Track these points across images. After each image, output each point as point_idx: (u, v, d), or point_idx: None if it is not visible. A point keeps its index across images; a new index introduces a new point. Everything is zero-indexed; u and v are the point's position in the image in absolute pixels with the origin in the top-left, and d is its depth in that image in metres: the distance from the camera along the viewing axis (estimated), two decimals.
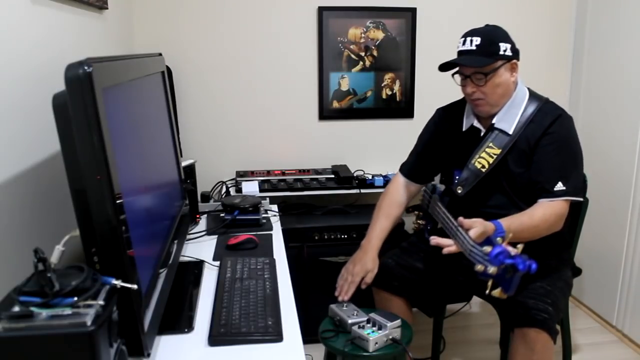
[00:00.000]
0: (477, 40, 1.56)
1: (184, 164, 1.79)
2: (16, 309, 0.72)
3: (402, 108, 2.69)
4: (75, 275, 0.76)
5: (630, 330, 2.39)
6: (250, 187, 2.30)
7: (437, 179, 1.92)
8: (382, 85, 2.66)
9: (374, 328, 1.53)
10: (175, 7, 2.44)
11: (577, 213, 1.88)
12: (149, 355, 0.92)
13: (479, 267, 1.27)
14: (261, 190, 2.30)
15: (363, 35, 2.58)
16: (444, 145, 1.79)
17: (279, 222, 1.90)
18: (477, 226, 1.34)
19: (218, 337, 1.09)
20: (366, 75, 2.63)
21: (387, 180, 2.40)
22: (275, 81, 2.58)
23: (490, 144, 1.63)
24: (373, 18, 2.58)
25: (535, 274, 1.61)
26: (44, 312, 0.72)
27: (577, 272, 1.87)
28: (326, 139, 2.67)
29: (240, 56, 2.53)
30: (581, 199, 1.64)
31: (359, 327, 1.53)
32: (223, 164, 2.59)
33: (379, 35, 2.60)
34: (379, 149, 2.70)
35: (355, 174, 2.50)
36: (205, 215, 1.94)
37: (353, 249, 1.79)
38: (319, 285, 2.25)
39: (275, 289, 1.30)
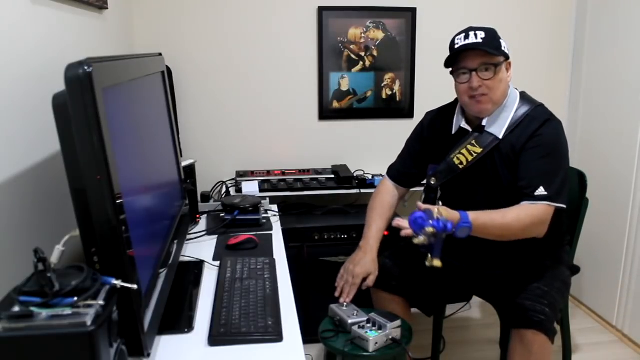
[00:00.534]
0: (481, 34, 1.54)
1: (184, 164, 1.79)
2: (16, 309, 0.72)
3: (402, 108, 2.69)
4: (75, 275, 0.77)
5: (630, 330, 2.39)
6: (250, 187, 2.30)
7: None
8: (382, 85, 2.66)
9: (374, 328, 1.52)
10: (175, 7, 2.44)
11: (577, 213, 1.88)
12: (149, 355, 0.92)
13: (415, 240, 1.35)
14: (261, 190, 2.30)
15: (363, 35, 2.58)
16: (431, 150, 1.77)
17: (279, 222, 1.90)
18: (437, 210, 1.35)
19: (218, 337, 1.09)
20: (366, 75, 2.63)
21: None
22: (275, 81, 2.58)
23: (473, 142, 1.62)
24: (373, 18, 2.57)
25: (532, 275, 1.62)
26: (44, 312, 0.72)
27: (576, 270, 1.86)
28: (326, 139, 2.67)
29: (241, 56, 2.53)
30: (563, 206, 1.52)
31: (359, 327, 1.53)
32: (223, 164, 2.59)
33: (379, 35, 2.60)
34: (379, 149, 2.70)
35: (355, 174, 2.50)
36: (205, 215, 1.94)
37: (353, 249, 1.79)
38: (319, 285, 2.25)
39: (275, 289, 1.30)
